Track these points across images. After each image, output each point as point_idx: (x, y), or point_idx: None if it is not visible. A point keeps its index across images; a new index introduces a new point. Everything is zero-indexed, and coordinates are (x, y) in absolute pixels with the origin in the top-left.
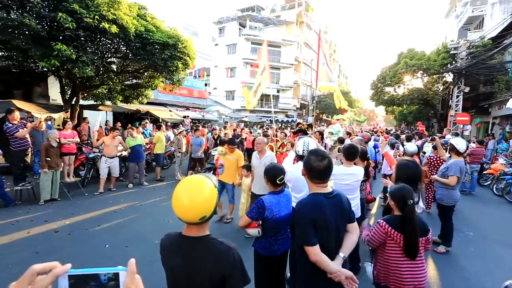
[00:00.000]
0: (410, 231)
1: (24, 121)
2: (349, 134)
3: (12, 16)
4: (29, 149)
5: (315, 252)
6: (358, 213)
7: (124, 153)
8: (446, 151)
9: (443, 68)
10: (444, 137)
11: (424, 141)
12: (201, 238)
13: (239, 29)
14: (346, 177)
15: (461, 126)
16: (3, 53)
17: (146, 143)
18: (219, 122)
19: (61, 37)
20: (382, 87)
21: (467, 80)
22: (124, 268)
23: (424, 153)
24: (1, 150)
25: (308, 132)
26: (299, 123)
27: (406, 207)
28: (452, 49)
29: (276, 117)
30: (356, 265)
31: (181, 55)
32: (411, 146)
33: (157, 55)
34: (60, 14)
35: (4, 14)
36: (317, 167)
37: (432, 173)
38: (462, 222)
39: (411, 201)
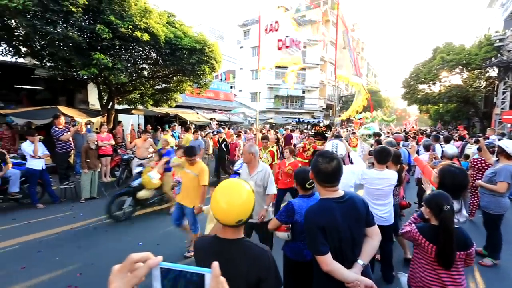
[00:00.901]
0: (445, 241)
1: (68, 125)
2: (376, 135)
3: (58, 30)
4: (72, 151)
5: (327, 262)
6: (391, 220)
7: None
8: (492, 154)
9: (486, 62)
10: (488, 138)
11: (465, 143)
12: (236, 240)
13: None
14: (377, 182)
15: (509, 125)
16: (50, 63)
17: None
18: (244, 124)
19: (99, 47)
20: (415, 85)
21: None
22: (209, 270)
23: (468, 156)
24: (48, 151)
25: (326, 134)
26: (315, 125)
27: (442, 213)
28: (497, 41)
29: (302, 118)
30: (389, 274)
31: (207, 59)
32: (451, 148)
33: (185, 60)
34: (98, 26)
35: (52, 29)
36: (324, 170)
37: (477, 177)
38: None
39: (447, 206)
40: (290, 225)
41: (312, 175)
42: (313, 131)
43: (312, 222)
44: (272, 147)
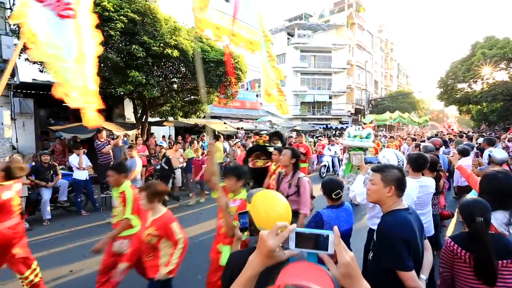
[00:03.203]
0: (480, 250)
1: (108, 139)
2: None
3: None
4: (111, 162)
5: (414, 278)
6: (431, 231)
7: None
8: None
9: None
10: None
11: None
12: None
13: (288, 39)
14: (414, 190)
15: None
16: None
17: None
18: (271, 132)
19: (134, 65)
20: (453, 84)
21: None
22: (332, 231)
23: None
24: (91, 163)
25: (270, 148)
26: (256, 134)
27: (473, 224)
28: None
29: (330, 124)
30: None
31: (234, 70)
32: (500, 153)
33: (212, 72)
34: (134, 46)
35: None
36: (403, 179)
37: None
38: None
39: (481, 219)
40: None
41: (394, 188)
42: (250, 144)
43: (397, 235)
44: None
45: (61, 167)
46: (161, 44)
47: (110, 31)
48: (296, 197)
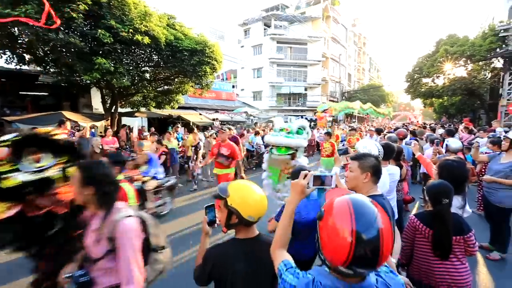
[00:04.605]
0: (440, 227)
1: (73, 130)
2: (328, 134)
3: (61, 37)
4: None
5: (390, 260)
6: (395, 215)
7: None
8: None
9: (491, 53)
10: (494, 131)
11: (475, 137)
12: (258, 237)
13: (264, 29)
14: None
15: None
16: (54, 69)
17: (179, 147)
18: (247, 123)
19: (100, 52)
20: (418, 79)
21: None
22: (334, 173)
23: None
24: None
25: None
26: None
27: (439, 205)
28: (502, 31)
29: (305, 115)
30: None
31: (208, 60)
32: (455, 142)
33: (186, 61)
34: (99, 30)
35: (54, 35)
36: (380, 167)
37: (482, 173)
38: None
39: (446, 200)
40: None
41: (371, 175)
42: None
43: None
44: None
45: None
46: (130, 30)
47: (72, 13)
48: None
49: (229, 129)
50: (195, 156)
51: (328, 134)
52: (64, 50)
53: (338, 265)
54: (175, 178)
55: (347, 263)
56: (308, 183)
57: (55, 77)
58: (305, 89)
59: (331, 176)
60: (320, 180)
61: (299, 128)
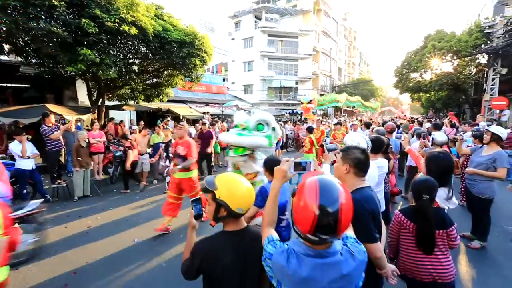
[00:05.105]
0: (422, 222)
1: (58, 124)
2: (309, 130)
3: (42, 25)
4: (63, 150)
5: (380, 249)
6: (383, 207)
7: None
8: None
9: (476, 49)
10: (477, 124)
11: (457, 131)
12: (246, 228)
13: (255, 22)
14: (371, 170)
15: (498, 111)
16: (35, 60)
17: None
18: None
19: (85, 42)
20: (407, 73)
21: (504, 60)
22: (312, 160)
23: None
24: (38, 151)
25: None
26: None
27: (419, 200)
28: (487, 27)
29: (296, 109)
30: None
31: (198, 52)
32: (440, 136)
33: (175, 53)
34: (83, 20)
35: (35, 24)
36: (364, 160)
37: (465, 165)
38: (499, 215)
39: (426, 196)
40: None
41: (350, 167)
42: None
43: (364, 209)
44: None
45: (0, 156)
46: (116, 20)
47: (53, 1)
48: None
49: (204, 124)
50: (165, 154)
51: (309, 129)
52: (46, 40)
53: (306, 233)
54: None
55: (313, 230)
56: (289, 169)
57: (37, 68)
58: (296, 83)
59: (310, 162)
60: (300, 166)
61: (258, 124)
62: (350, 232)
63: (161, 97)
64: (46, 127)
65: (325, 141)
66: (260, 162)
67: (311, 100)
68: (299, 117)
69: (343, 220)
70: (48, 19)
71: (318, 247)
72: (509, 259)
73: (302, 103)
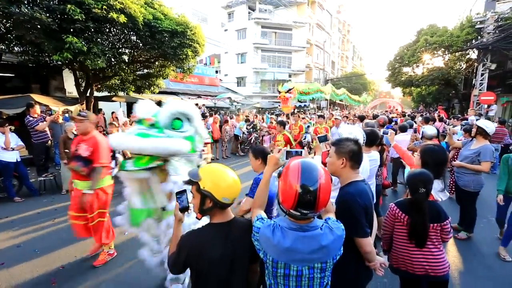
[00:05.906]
0: (416, 215)
1: (43, 115)
2: (282, 124)
3: (24, 11)
4: (49, 141)
5: (371, 243)
6: (374, 200)
7: None
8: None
9: (467, 44)
10: (466, 119)
11: (446, 125)
12: (234, 219)
13: (249, 13)
14: (365, 163)
15: (486, 106)
16: (19, 48)
17: None
18: (231, 109)
19: (71, 30)
20: (399, 68)
21: (493, 56)
22: (303, 150)
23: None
24: (23, 142)
25: None
26: None
27: (416, 194)
28: (478, 23)
29: None
30: None
31: (190, 43)
32: (430, 129)
33: (167, 43)
34: (69, 6)
35: (16, 9)
36: (359, 152)
37: (455, 159)
38: (485, 207)
39: (423, 189)
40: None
41: (346, 160)
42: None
43: (358, 204)
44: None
45: None
46: (104, 6)
47: None
48: None
49: (115, 115)
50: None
51: (282, 124)
52: (28, 26)
53: (289, 208)
54: None
55: (295, 206)
56: (282, 157)
57: (20, 57)
58: (289, 76)
59: (301, 151)
60: (291, 155)
61: (175, 119)
62: (331, 215)
63: (152, 88)
64: (31, 118)
65: (304, 138)
66: (178, 179)
67: (290, 89)
68: (292, 111)
69: (321, 198)
70: (31, 5)
71: (300, 222)
72: (494, 250)
73: (279, 92)
